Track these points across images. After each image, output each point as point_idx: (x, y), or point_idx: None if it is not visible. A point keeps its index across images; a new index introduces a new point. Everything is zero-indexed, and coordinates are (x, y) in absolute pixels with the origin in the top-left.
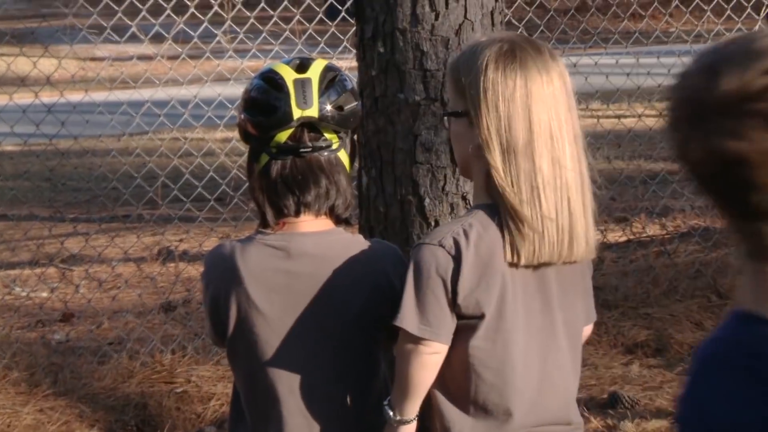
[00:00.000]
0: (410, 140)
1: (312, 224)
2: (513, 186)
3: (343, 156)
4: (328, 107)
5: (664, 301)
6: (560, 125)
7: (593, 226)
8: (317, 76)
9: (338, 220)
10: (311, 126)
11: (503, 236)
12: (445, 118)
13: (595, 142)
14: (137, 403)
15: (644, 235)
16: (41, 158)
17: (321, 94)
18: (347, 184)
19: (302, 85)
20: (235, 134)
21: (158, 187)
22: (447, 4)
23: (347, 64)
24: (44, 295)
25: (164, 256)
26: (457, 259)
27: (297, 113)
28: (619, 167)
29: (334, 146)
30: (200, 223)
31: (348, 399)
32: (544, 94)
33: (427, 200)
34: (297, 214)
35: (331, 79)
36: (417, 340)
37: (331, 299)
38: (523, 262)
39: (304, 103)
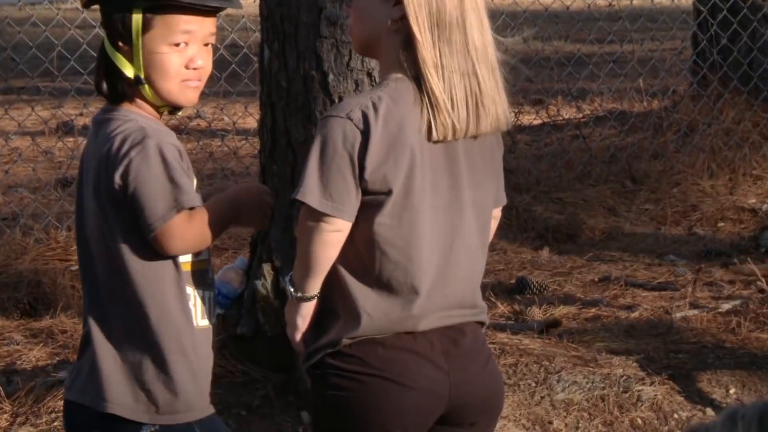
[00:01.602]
0: (315, 13)
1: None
2: (442, 60)
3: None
4: None
5: (577, 185)
6: None
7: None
8: None
9: (117, 98)
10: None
11: (427, 113)
12: None
13: (511, 21)
14: (30, 281)
15: (559, 118)
16: None
17: None
18: (97, 58)
19: None
20: None
21: (54, 59)
22: None
23: None
24: None
25: (62, 131)
26: (365, 132)
27: None
28: (536, 47)
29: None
30: (99, 97)
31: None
32: None
33: (331, 76)
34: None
35: None
36: (319, 216)
37: (84, 181)
38: (450, 137)
39: None
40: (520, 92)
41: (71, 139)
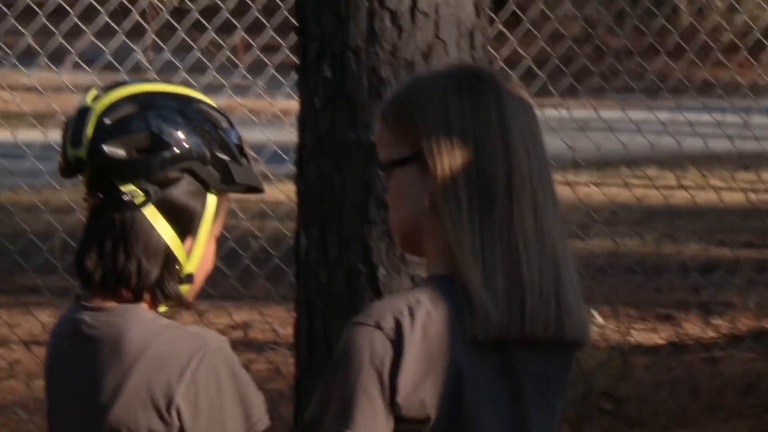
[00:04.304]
0: (362, 192)
1: (100, 296)
2: (483, 244)
3: (152, 214)
4: (108, 149)
5: (703, 419)
6: (540, 164)
7: (582, 303)
8: (104, 106)
9: (137, 296)
10: (98, 172)
11: (464, 310)
12: (383, 173)
13: (648, 218)
14: None
15: (686, 336)
16: None
17: (100, 130)
18: (145, 251)
19: (79, 118)
20: None
21: (55, 250)
22: (413, 18)
23: None
24: None
25: None
26: (398, 345)
27: (69, 152)
28: (668, 250)
29: (137, 200)
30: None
31: None
32: (520, 121)
33: (382, 270)
34: (83, 283)
35: (131, 114)
36: None
37: (88, 398)
38: (491, 337)
39: (75, 141)
40: (644, 305)
41: None
